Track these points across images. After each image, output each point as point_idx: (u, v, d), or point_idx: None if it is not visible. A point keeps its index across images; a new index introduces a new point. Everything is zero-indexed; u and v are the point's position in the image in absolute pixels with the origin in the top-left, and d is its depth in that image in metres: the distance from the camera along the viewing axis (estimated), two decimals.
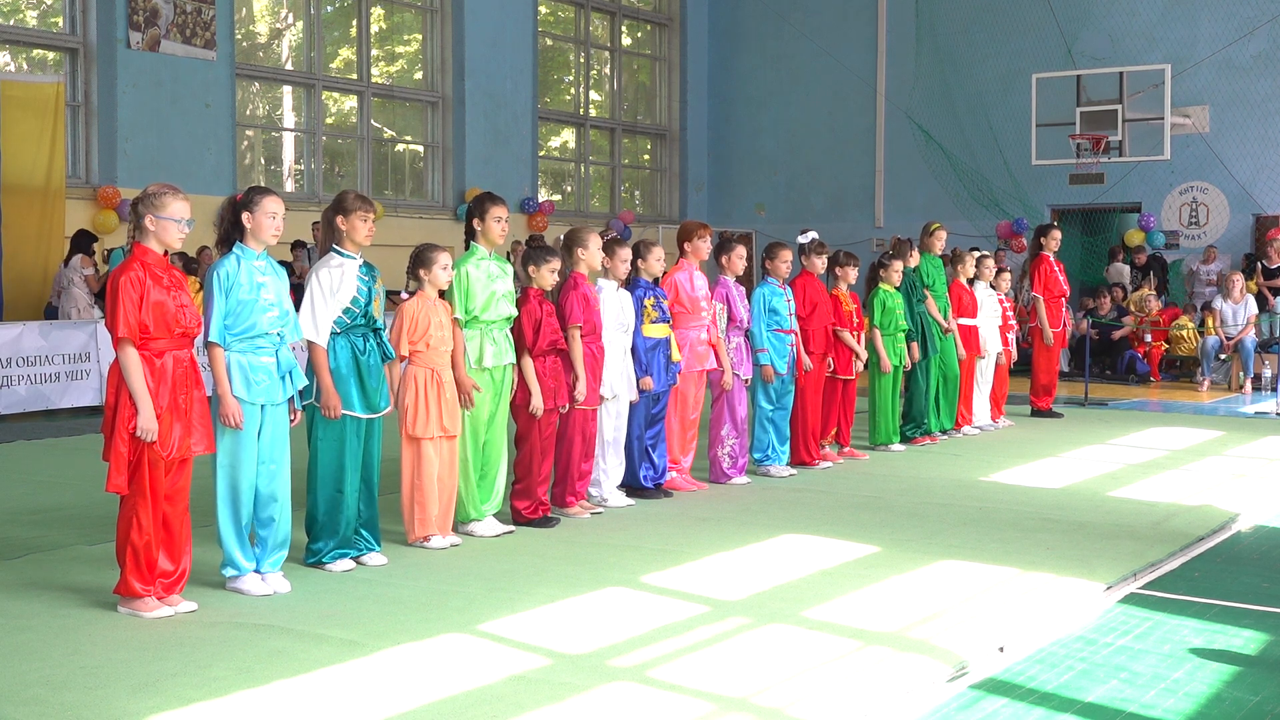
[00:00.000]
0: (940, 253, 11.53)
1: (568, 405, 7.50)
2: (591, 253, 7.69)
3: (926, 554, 6.64)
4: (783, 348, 9.13)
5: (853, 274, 10.09)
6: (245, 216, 5.80)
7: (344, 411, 6.19)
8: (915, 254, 11.07)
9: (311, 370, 6.19)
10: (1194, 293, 18.61)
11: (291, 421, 5.94)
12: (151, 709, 4.27)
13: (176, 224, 5.47)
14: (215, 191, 16.71)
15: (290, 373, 5.85)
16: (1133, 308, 17.85)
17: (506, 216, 7.26)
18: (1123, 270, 19.19)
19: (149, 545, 5.40)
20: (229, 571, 5.84)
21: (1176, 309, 17.66)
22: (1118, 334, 17.42)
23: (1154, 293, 17.87)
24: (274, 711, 4.28)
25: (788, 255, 9.23)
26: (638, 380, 8.06)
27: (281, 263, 6.28)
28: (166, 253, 5.54)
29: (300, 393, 6.00)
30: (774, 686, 4.54)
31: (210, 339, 5.66)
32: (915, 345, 10.73)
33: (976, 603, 5.69)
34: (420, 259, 6.79)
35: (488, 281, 7.04)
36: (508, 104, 20.87)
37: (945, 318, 11.22)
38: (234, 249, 5.81)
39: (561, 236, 7.89)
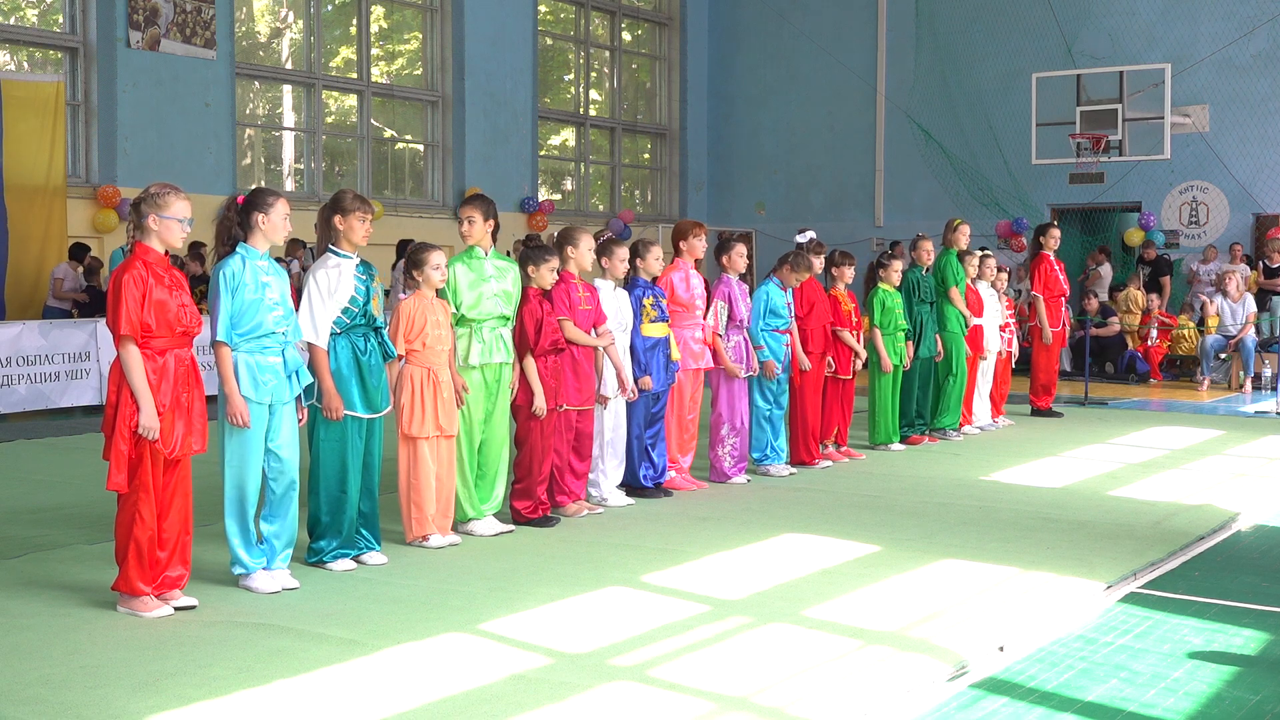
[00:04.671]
0: (964, 248, 11.55)
1: (565, 406, 7.51)
2: (582, 253, 7.67)
3: (927, 553, 6.64)
4: (779, 348, 9.14)
5: (849, 273, 10.10)
6: (260, 218, 5.81)
7: (346, 412, 6.19)
8: (928, 253, 11.01)
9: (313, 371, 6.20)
10: (1216, 279, 18.54)
11: (299, 421, 5.95)
12: (151, 708, 4.27)
13: (179, 223, 5.48)
14: (215, 191, 16.71)
15: (297, 372, 5.86)
16: (1130, 306, 17.83)
17: (477, 218, 7.19)
18: (1108, 271, 19.16)
19: (150, 543, 5.40)
20: (238, 570, 5.85)
21: (1172, 317, 17.62)
22: (1099, 330, 17.34)
23: (1150, 294, 17.86)
24: (274, 711, 4.28)
25: (811, 268, 9.39)
26: (636, 380, 8.06)
27: (278, 259, 6.28)
28: (167, 252, 5.55)
29: (305, 391, 6.01)
30: (774, 686, 4.54)
31: (217, 338, 5.67)
32: (910, 344, 10.73)
33: (976, 602, 5.69)
34: (413, 259, 6.79)
35: (478, 280, 7.03)
36: (507, 103, 20.86)
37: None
38: (238, 249, 5.81)
39: (555, 234, 7.90)
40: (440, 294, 6.86)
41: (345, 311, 6.22)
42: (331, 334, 6.21)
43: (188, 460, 5.54)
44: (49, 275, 15.25)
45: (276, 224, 5.84)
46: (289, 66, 19.47)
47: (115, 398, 5.35)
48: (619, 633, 5.17)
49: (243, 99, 18.47)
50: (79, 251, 15.17)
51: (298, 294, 6.43)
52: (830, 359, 9.81)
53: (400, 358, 6.65)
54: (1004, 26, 20.84)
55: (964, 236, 11.58)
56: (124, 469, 5.32)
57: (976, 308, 11.66)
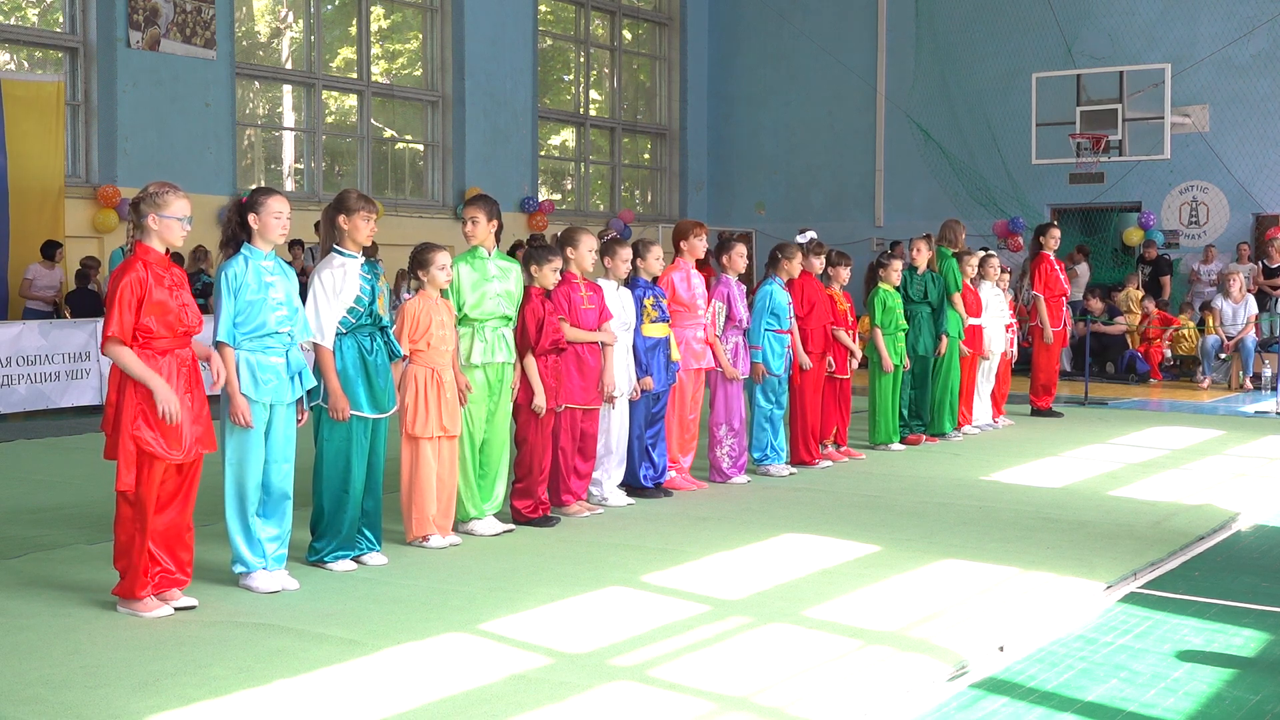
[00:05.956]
0: (960, 248, 11.56)
1: (565, 405, 7.51)
2: (582, 253, 7.67)
3: (927, 553, 6.64)
4: (781, 349, 9.13)
5: (846, 274, 10.08)
6: (251, 218, 5.81)
7: (352, 412, 6.19)
8: (919, 253, 11.00)
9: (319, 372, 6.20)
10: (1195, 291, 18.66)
11: (298, 422, 5.95)
12: (151, 708, 4.27)
13: (179, 222, 5.48)
14: (215, 191, 16.71)
15: (300, 373, 5.86)
16: (1130, 306, 17.84)
17: (481, 218, 7.20)
18: (1084, 271, 19.15)
19: (151, 548, 5.39)
20: (239, 569, 5.86)
21: (1173, 318, 17.63)
22: (1107, 328, 17.36)
23: (1150, 297, 17.89)
24: (274, 711, 4.28)
25: (799, 255, 9.34)
26: (637, 380, 8.06)
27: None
28: (168, 251, 5.55)
29: (308, 393, 6.01)
30: (774, 686, 4.54)
31: (218, 339, 5.67)
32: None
33: (976, 602, 5.69)
34: (419, 259, 6.79)
35: (481, 280, 7.03)
36: (508, 103, 20.86)
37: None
38: (241, 250, 5.82)
39: (558, 234, 7.92)
40: (444, 294, 6.87)
41: (351, 311, 6.22)
42: (337, 334, 6.21)
43: (199, 462, 5.54)
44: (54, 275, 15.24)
45: (268, 222, 5.80)
46: (289, 66, 19.47)
47: (116, 397, 5.35)
48: (619, 633, 5.17)
49: (243, 99, 18.47)
50: (50, 249, 14.96)
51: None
52: (831, 359, 9.80)
53: (405, 358, 6.65)
54: (1004, 26, 20.84)
55: (959, 237, 11.60)
56: (133, 468, 5.32)
57: (974, 308, 11.65)
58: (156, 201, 5.45)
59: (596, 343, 7.65)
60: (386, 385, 6.35)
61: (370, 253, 6.52)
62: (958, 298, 11.21)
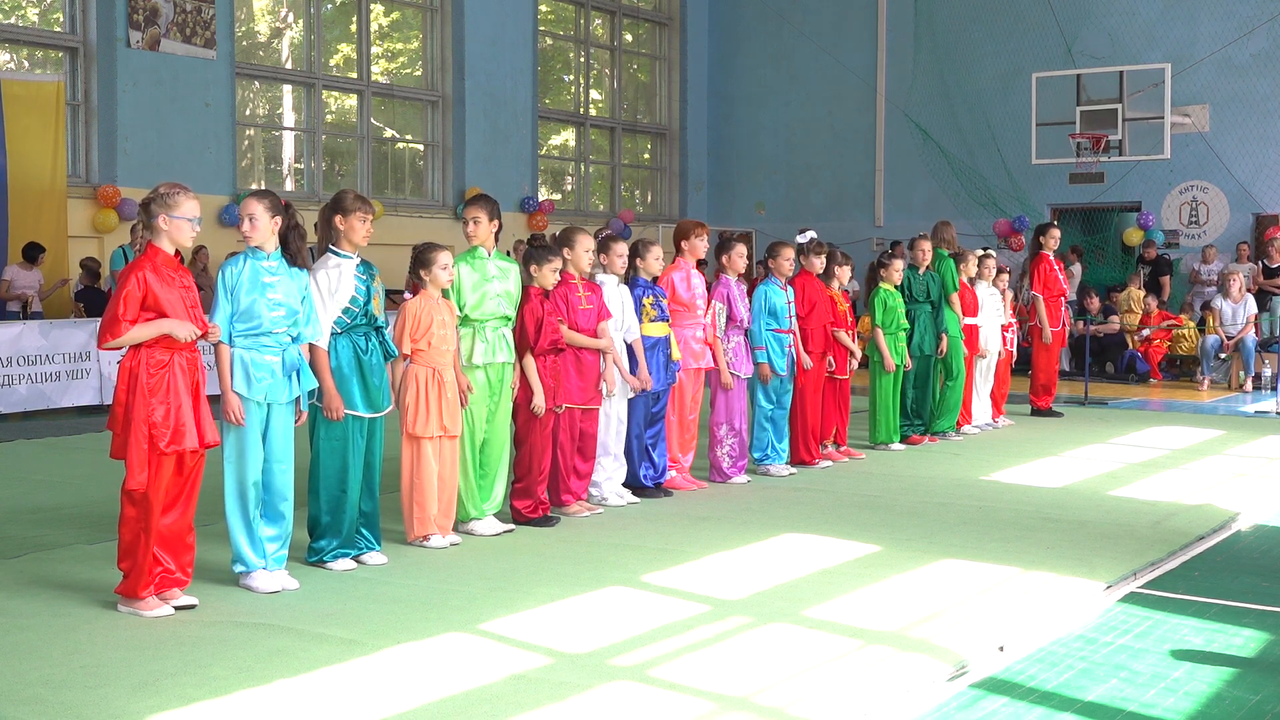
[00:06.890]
0: (955, 248, 11.58)
1: (565, 405, 7.51)
2: (579, 254, 7.66)
3: (927, 553, 6.64)
4: (781, 348, 9.13)
5: (846, 273, 10.06)
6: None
7: (347, 411, 6.19)
8: (923, 253, 11.00)
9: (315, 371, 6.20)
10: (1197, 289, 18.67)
11: (296, 422, 5.95)
12: (151, 708, 4.27)
13: (189, 223, 5.49)
14: (215, 191, 16.72)
15: (297, 372, 5.86)
16: (1130, 305, 17.85)
17: (483, 218, 7.20)
18: (1079, 271, 19.14)
19: (154, 548, 5.39)
20: (239, 568, 5.86)
21: (1173, 316, 17.62)
22: (1101, 327, 17.37)
23: (1152, 295, 17.89)
24: (274, 711, 4.28)
25: (790, 253, 9.26)
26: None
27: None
28: (177, 252, 5.56)
29: (308, 393, 6.02)
30: (774, 686, 4.54)
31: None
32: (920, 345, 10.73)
33: (976, 602, 5.69)
34: (421, 259, 6.80)
35: (481, 280, 7.04)
36: (508, 103, 20.87)
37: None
38: (246, 250, 5.85)
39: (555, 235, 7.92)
40: (444, 294, 6.87)
41: (346, 311, 6.22)
42: (332, 334, 6.22)
43: (200, 463, 5.55)
44: (54, 274, 15.23)
45: (242, 228, 5.84)
46: (289, 66, 19.47)
47: (125, 396, 5.35)
48: (619, 633, 5.18)
49: (243, 99, 18.47)
50: (32, 251, 14.82)
51: None
52: (831, 358, 9.80)
53: (405, 357, 6.66)
54: (1004, 26, 20.84)
55: (952, 237, 11.62)
56: (145, 467, 5.32)
57: (971, 307, 11.65)
58: (167, 202, 5.46)
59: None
60: (381, 385, 6.35)
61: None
62: (955, 297, 11.23)
